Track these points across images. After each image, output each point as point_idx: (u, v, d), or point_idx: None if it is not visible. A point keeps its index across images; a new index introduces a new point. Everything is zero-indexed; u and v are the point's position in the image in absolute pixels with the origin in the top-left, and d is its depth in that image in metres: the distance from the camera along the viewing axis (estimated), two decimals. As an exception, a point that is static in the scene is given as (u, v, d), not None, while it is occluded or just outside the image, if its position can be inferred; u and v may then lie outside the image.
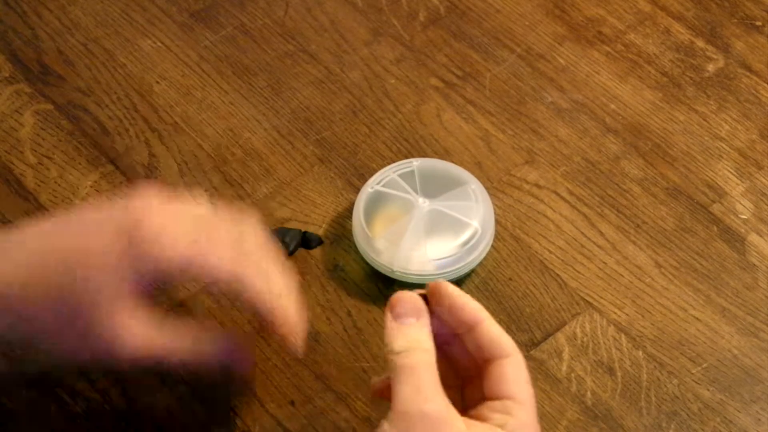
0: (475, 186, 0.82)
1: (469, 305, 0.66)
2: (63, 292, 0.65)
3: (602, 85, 0.92)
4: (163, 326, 0.66)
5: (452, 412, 0.62)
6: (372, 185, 0.82)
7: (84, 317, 0.64)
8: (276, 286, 0.68)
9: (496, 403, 0.64)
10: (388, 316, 0.64)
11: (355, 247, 0.81)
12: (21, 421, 0.74)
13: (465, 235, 0.79)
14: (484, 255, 0.80)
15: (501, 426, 0.63)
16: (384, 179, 0.82)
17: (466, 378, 0.67)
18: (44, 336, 0.65)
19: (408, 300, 0.65)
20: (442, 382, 0.63)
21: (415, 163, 0.83)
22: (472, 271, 0.81)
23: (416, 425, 0.61)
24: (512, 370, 0.65)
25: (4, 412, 0.75)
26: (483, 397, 0.65)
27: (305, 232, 0.82)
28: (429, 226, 0.80)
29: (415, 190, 0.81)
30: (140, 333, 0.65)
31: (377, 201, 0.81)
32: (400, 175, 0.82)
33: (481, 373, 0.65)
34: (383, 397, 0.66)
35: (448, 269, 0.79)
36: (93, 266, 0.65)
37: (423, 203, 0.80)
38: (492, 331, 0.65)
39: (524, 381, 0.65)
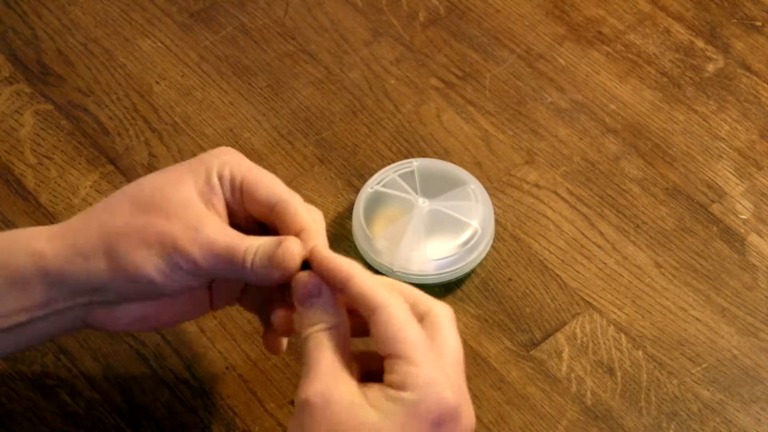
0: (474, 186, 0.82)
1: (334, 262, 0.63)
2: (132, 196, 0.67)
3: (602, 85, 0.92)
4: (229, 232, 0.66)
5: (340, 390, 0.60)
6: (372, 185, 0.82)
7: (154, 211, 0.66)
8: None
9: (385, 363, 0.61)
10: (295, 300, 0.64)
11: (355, 247, 0.81)
12: (21, 421, 0.74)
13: (465, 235, 0.79)
14: (484, 255, 0.80)
15: (389, 385, 0.60)
16: (384, 179, 0.82)
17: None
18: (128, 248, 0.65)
19: (307, 280, 0.63)
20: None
21: (415, 163, 0.83)
22: (472, 271, 0.81)
23: (304, 414, 0.60)
24: (382, 326, 0.61)
25: (4, 412, 0.75)
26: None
27: None
28: (429, 226, 0.80)
29: (415, 190, 0.81)
30: (210, 227, 0.65)
31: (377, 201, 0.81)
32: (400, 175, 0.82)
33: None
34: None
35: (448, 269, 0.79)
36: (164, 173, 0.68)
37: (423, 203, 0.81)
38: (358, 285, 0.63)
39: (400, 332, 0.61)
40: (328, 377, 0.61)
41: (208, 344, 0.78)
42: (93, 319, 0.67)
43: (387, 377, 0.61)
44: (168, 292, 0.66)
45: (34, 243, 0.66)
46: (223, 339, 0.78)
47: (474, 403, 0.74)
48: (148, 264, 0.65)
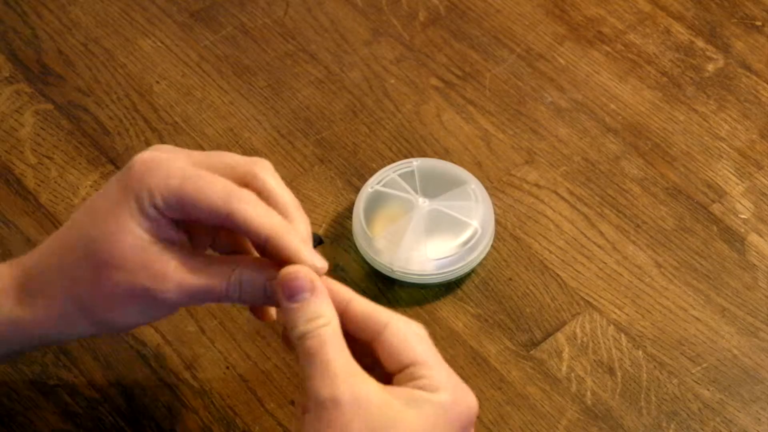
0: (474, 186, 0.82)
1: (335, 285, 0.63)
2: (85, 256, 0.64)
3: (602, 84, 0.92)
4: (199, 264, 0.64)
5: (368, 389, 0.60)
6: (372, 185, 0.82)
7: (114, 268, 0.63)
8: (276, 218, 0.63)
9: (400, 376, 0.61)
10: (282, 297, 0.61)
11: (355, 246, 0.81)
12: (21, 421, 0.74)
13: (465, 235, 0.79)
14: (484, 255, 0.80)
15: (424, 388, 0.60)
16: (384, 179, 0.82)
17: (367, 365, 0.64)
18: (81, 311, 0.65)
19: (299, 274, 0.62)
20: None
21: (415, 163, 0.83)
22: (473, 270, 0.81)
23: (333, 414, 0.59)
24: (397, 339, 0.61)
25: (4, 411, 0.75)
26: (390, 376, 0.62)
27: None
28: (429, 226, 0.80)
29: (415, 190, 0.81)
30: (178, 268, 0.63)
31: (377, 201, 0.81)
32: (400, 175, 0.82)
33: (375, 355, 0.62)
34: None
35: (448, 269, 0.79)
36: (102, 218, 0.64)
37: (423, 203, 0.81)
38: (365, 306, 0.63)
39: (416, 342, 0.62)
40: (351, 375, 0.60)
41: (208, 344, 0.78)
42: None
43: (413, 383, 0.61)
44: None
45: (5, 309, 0.65)
46: (224, 339, 0.78)
47: (474, 402, 0.75)
48: (130, 318, 0.65)
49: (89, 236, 0.64)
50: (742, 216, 0.84)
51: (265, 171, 0.66)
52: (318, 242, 0.81)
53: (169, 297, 0.63)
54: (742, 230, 0.84)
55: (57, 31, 0.95)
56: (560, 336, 0.78)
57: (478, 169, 0.86)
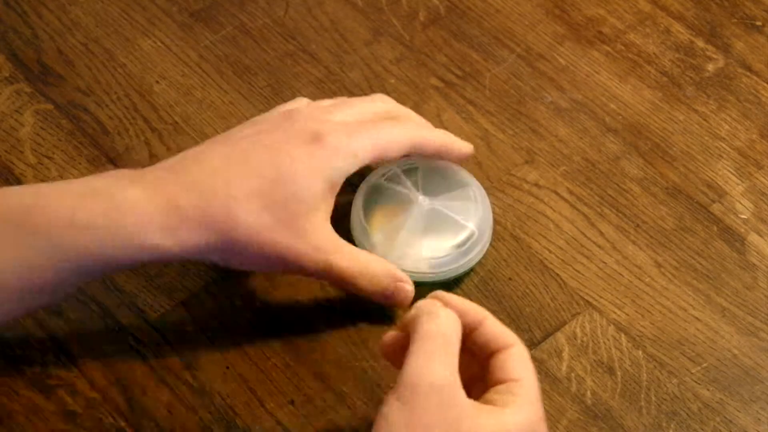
0: (475, 188, 0.82)
1: (471, 306, 0.67)
2: (269, 196, 0.71)
3: (602, 84, 0.92)
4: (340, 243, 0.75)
5: (461, 390, 0.63)
6: (374, 178, 0.82)
7: (289, 216, 0.72)
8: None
9: (501, 387, 0.65)
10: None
11: (352, 239, 0.81)
12: (21, 421, 0.74)
13: (461, 237, 0.79)
14: (479, 258, 0.80)
15: (506, 405, 0.64)
16: (387, 173, 0.82)
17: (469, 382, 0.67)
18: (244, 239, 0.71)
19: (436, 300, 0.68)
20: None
21: (419, 161, 0.83)
22: (471, 270, 0.81)
23: (422, 399, 0.61)
24: (516, 357, 0.66)
25: (4, 411, 0.75)
26: (486, 388, 0.66)
27: None
28: (427, 225, 0.80)
29: (417, 187, 0.81)
30: (338, 250, 0.74)
31: (378, 195, 0.81)
32: (403, 171, 0.82)
33: (484, 368, 0.66)
34: (390, 359, 0.67)
35: (442, 269, 0.79)
36: (293, 170, 0.72)
37: (423, 201, 0.80)
38: (496, 325, 0.68)
39: (527, 365, 0.67)
40: (452, 370, 0.64)
41: (208, 344, 0.78)
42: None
43: (501, 397, 0.65)
44: None
45: (147, 237, 0.69)
46: (224, 339, 0.78)
47: (474, 402, 0.75)
48: (266, 267, 0.75)
49: (266, 163, 0.72)
50: (742, 216, 0.84)
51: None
52: None
53: (310, 271, 0.73)
54: (742, 230, 0.84)
55: (57, 31, 0.95)
56: (560, 336, 0.78)
57: (478, 169, 0.86)
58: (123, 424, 0.74)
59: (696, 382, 0.76)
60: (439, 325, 0.64)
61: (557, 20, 0.96)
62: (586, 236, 0.83)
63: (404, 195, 0.81)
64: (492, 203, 0.83)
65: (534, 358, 0.77)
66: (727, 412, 0.75)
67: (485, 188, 0.83)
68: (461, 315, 0.66)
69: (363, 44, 0.94)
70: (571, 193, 0.85)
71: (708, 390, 0.76)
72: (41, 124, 0.89)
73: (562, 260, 0.82)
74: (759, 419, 0.75)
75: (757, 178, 0.86)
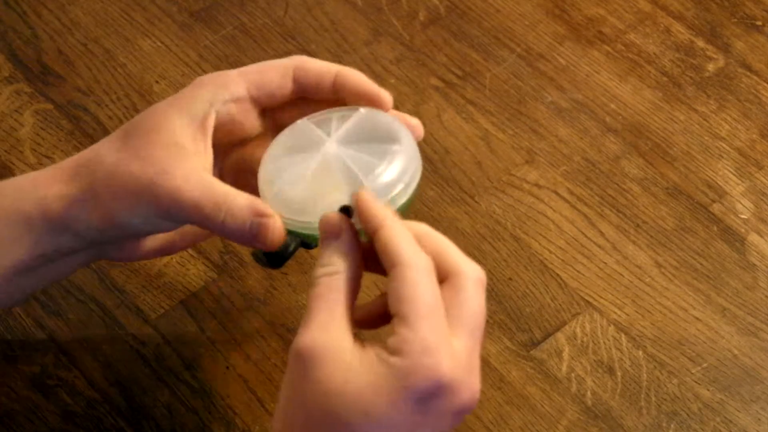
0: (404, 146, 0.67)
1: (372, 209, 0.61)
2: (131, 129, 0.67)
3: (602, 84, 0.92)
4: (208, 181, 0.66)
5: (339, 345, 0.58)
6: (301, 119, 0.69)
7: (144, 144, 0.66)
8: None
9: (392, 322, 0.59)
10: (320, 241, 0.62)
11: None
12: (21, 421, 0.74)
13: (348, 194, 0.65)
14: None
15: (386, 348, 0.57)
16: (319, 116, 0.69)
17: None
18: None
19: (328, 220, 0.62)
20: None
21: (366, 111, 0.69)
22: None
23: (292, 365, 0.58)
24: (394, 283, 0.58)
25: (4, 411, 0.75)
26: None
27: None
28: (328, 173, 0.67)
29: (335, 132, 0.68)
30: (192, 176, 0.65)
31: (295, 137, 0.69)
32: (338, 117, 0.69)
33: None
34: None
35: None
36: (154, 108, 0.67)
37: (330, 147, 0.67)
38: (384, 237, 0.60)
39: (408, 293, 0.58)
40: (322, 329, 0.58)
41: (208, 344, 0.78)
42: (108, 256, 0.69)
43: (388, 339, 0.58)
44: (160, 233, 0.68)
45: (41, 189, 0.67)
46: (224, 339, 0.78)
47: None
48: (127, 212, 0.65)
49: (149, 109, 0.67)
50: (743, 216, 0.84)
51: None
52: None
53: (163, 201, 0.64)
54: (743, 230, 0.84)
55: (57, 31, 0.95)
56: (560, 336, 0.78)
57: (478, 168, 0.86)
58: (123, 424, 0.74)
59: (696, 382, 0.76)
60: (319, 286, 0.60)
61: (557, 20, 0.96)
62: (586, 236, 0.83)
63: (317, 138, 0.68)
64: (492, 203, 0.83)
65: (534, 358, 0.77)
66: (728, 412, 0.75)
67: (485, 188, 0.83)
68: (364, 216, 0.61)
69: (363, 44, 0.94)
70: (571, 193, 0.85)
71: (708, 390, 0.76)
72: (41, 123, 0.89)
73: (563, 260, 0.82)
74: (759, 419, 0.75)
75: (758, 178, 0.86)
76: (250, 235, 0.65)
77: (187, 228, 0.71)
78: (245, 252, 0.82)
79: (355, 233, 0.62)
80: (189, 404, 0.75)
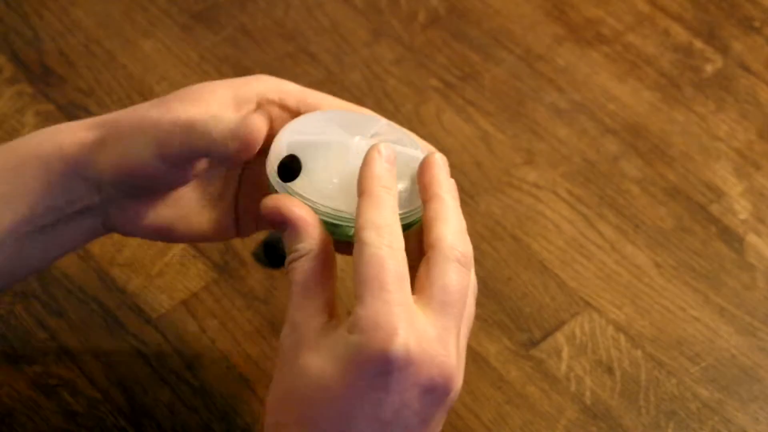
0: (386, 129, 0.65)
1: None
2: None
3: (601, 85, 0.92)
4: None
5: (307, 325, 0.58)
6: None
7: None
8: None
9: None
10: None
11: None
12: (22, 421, 0.75)
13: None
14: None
15: (346, 326, 0.57)
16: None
17: None
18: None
19: (269, 207, 0.61)
20: None
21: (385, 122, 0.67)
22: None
23: (282, 355, 0.59)
24: (357, 262, 0.57)
25: (6, 411, 0.75)
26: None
27: None
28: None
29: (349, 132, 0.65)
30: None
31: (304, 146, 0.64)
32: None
33: None
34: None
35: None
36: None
37: (360, 141, 0.64)
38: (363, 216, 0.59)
39: (363, 271, 0.57)
40: (297, 312, 0.59)
41: (209, 343, 0.78)
42: (111, 223, 0.68)
43: (350, 317, 0.57)
44: (159, 185, 0.67)
45: (62, 135, 0.67)
46: (224, 338, 0.78)
47: (474, 402, 0.75)
48: (129, 148, 0.65)
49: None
50: (741, 216, 0.85)
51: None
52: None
53: (162, 129, 0.64)
54: (741, 230, 0.84)
55: (58, 32, 0.95)
56: (559, 336, 0.79)
57: (477, 169, 0.87)
58: (124, 423, 0.75)
59: (695, 381, 0.77)
60: (291, 272, 0.59)
61: (556, 21, 0.96)
62: (585, 236, 0.83)
63: (336, 139, 0.64)
64: (491, 204, 0.83)
65: (533, 358, 0.77)
66: (726, 412, 0.75)
67: (485, 188, 0.83)
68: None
69: (363, 45, 0.94)
70: (570, 193, 0.86)
71: (707, 389, 0.76)
72: (43, 124, 0.89)
73: (562, 260, 0.82)
74: (757, 418, 0.75)
75: (756, 179, 0.86)
76: (236, 135, 0.63)
77: (185, 209, 0.69)
78: (246, 252, 0.82)
79: (308, 210, 0.60)
80: (190, 403, 0.75)
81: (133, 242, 0.82)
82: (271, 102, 0.66)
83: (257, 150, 0.64)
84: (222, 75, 0.92)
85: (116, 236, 0.82)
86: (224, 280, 0.81)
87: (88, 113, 0.90)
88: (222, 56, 0.94)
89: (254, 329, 0.79)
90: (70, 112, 0.90)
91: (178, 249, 0.82)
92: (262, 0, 0.97)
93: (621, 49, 0.94)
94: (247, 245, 0.82)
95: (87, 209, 0.68)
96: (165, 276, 0.81)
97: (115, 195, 0.67)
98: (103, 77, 0.92)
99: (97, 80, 0.92)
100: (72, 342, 0.78)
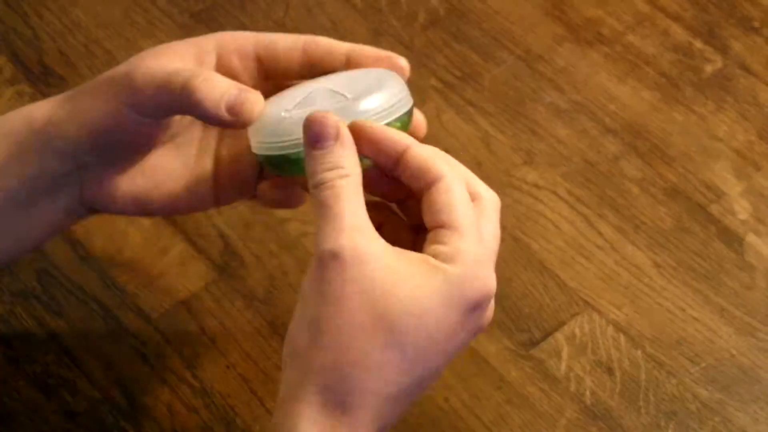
0: (394, 89, 0.64)
1: (389, 133, 0.60)
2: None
3: (601, 85, 0.92)
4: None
5: (375, 247, 0.57)
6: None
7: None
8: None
9: (430, 234, 0.58)
10: (306, 142, 0.59)
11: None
12: (22, 421, 0.75)
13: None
14: None
15: (434, 256, 0.57)
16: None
17: (418, 229, 0.61)
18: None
19: (327, 120, 0.58)
20: (396, 241, 0.58)
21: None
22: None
23: (329, 270, 0.56)
24: (442, 196, 0.58)
25: (5, 411, 0.75)
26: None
27: None
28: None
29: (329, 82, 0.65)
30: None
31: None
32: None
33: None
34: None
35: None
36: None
37: (318, 84, 0.65)
38: (419, 155, 0.59)
39: (458, 205, 0.59)
40: (358, 232, 0.57)
41: (208, 343, 0.78)
42: (88, 196, 0.67)
43: (433, 247, 0.57)
44: (130, 143, 0.66)
45: (31, 108, 0.67)
46: (224, 338, 0.78)
47: (474, 402, 0.75)
48: (99, 109, 0.65)
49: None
50: (741, 216, 0.85)
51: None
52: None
53: (136, 82, 0.64)
54: (741, 231, 0.84)
55: (58, 32, 0.95)
56: (559, 336, 0.79)
57: (477, 169, 0.86)
58: (124, 423, 0.75)
59: (694, 381, 0.77)
60: (335, 188, 0.57)
61: (556, 21, 0.96)
62: (585, 237, 0.83)
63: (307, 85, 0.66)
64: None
65: (533, 358, 0.77)
66: (726, 412, 0.75)
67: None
68: (380, 143, 0.59)
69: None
70: (570, 193, 0.86)
71: (707, 390, 0.76)
72: (42, 124, 0.89)
73: (562, 261, 0.82)
74: (757, 419, 0.75)
75: (756, 179, 0.87)
76: (229, 106, 0.62)
77: (161, 177, 0.68)
78: (246, 252, 0.82)
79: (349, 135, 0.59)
80: (190, 403, 0.75)
81: (133, 242, 0.82)
82: (230, 51, 0.67)
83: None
84: (222, 75, 0.92)
85: (116, 236, 0.82)
86: (224, 280, 0.81)
87: (88, 113, 0.90)
88: (222, 56, 0.94)
89: (254, 329, 0.79)
90: (70, 112, 0.90)
91: (178, 249, 0.82)
92: (262, 0, 0.97)
93: (621, 49, 0.94)
94: (247, 245, 0.82)
95: (62, 182, 0.67)
96: (165, 276, 0.81)
97: (88, 162, 0.67)
98: (103, 77, 0.92)
99: (97, 80, 0.92)
100: (72, 342, 0.78)
